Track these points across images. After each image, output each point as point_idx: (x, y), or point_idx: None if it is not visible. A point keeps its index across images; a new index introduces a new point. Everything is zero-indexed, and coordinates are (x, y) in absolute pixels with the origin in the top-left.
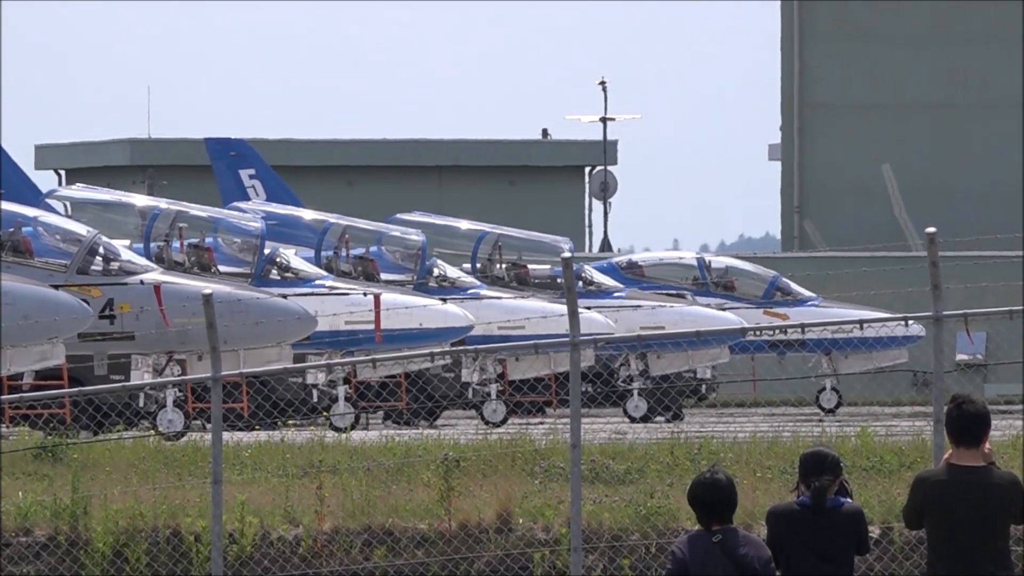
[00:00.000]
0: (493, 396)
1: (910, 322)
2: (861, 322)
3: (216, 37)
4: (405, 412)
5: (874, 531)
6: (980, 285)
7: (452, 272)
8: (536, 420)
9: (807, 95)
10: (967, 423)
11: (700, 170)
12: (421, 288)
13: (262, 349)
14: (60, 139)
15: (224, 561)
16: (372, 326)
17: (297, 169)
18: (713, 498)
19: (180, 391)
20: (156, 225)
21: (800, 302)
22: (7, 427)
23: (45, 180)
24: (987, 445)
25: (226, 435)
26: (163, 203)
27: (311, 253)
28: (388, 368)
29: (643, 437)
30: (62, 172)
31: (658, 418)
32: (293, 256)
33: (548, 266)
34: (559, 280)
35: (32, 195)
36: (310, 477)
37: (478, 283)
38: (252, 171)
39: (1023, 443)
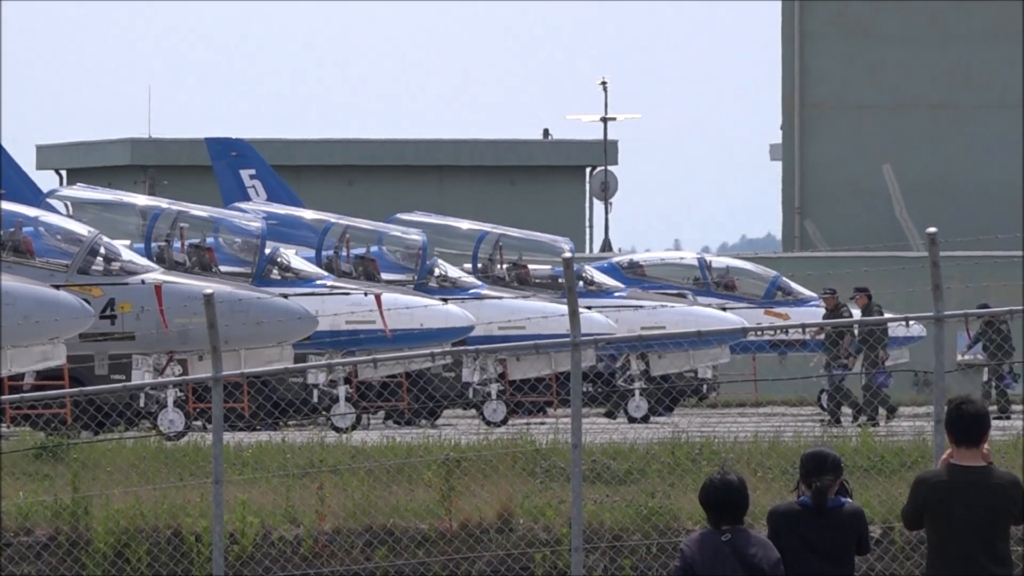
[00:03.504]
0: (494, 396)
1: (911, 322)
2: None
3: (216, 37)
4: (406, 412)
5: (875, 531)
6: (981, 285)
7: (453, 272)
8: (537, 420)
9: (808, 95)
10: (967, 423)
11: (701, 170)
12: (422, 288)
13: (263, 349)
14: (61, 139)
15: (225, 561)
16: (373, 326)
17: (297, 169)
18: (724, 499)
19: (181, 391)
20: (157, 225)
21: (801, 302)
22: (8, 427)
23: (46, 180)
24: (985, 446)
25: (227, 435)
26: (164, 203)
27: (312, 253)
28: (389, 368)
29: (644, 436)
30: (63, 172)
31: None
32: (294, 256)
33: (549, 266)
34: (560, 280)
35: (33, 195)
36: (311, 477)
37: (479, 283)
38: (253, 171)
39: (1023, 443)
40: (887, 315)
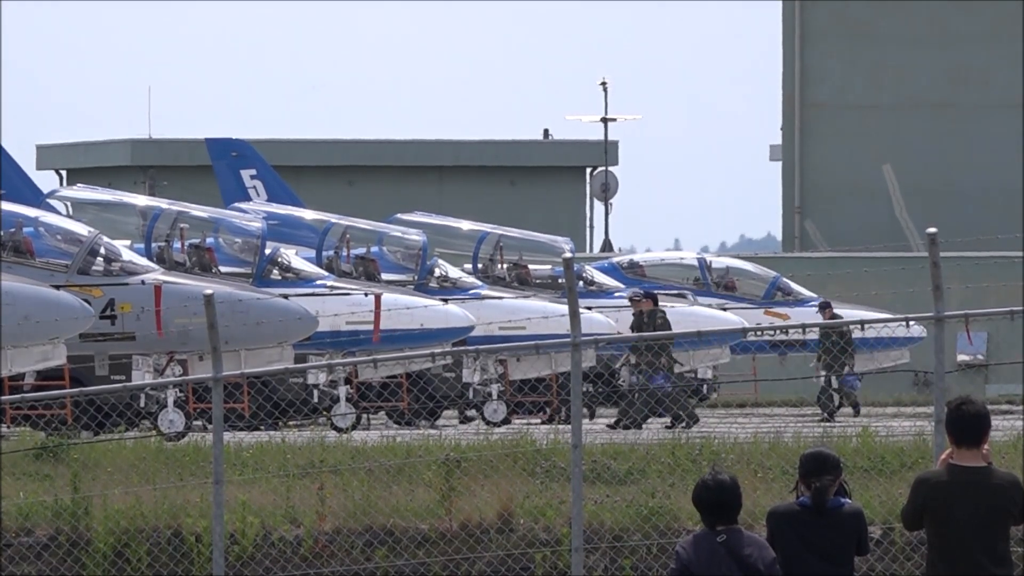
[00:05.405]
0: (494, 396)
1: (911, 323)
2: (862, 323)
3: (216, 37)
4: (406, 412)
5: (875, 531)
6: (981, 285)
7: (453, 272)
8: (537, 420)
9: (808, 95)
10: (967, 424)
11: (701, 170)
12: (422, 288)
13: (263, 349)
14: (61, 139)
15: (225, 561)
16: (373, 326)
17: (298, 169)
18: (717, 499)
19: (181, 391)
20: (157, 225)
21: (801, 302)
22: (8, 427)
23: (46, 180)
24: (985, 446)
25: (227, 435)
26: (164, 203)
27: (312, 253)
28: (389, 368)
29: (645, 437)
30: (63, 172)
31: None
32: (294, 256)
33: (549, 266)
34: (560, 280)
35: (33, 195)
36: (311, 477)
37: (479, 283)
38: (253, 171)
39: (1023, 443)
40: (887, 316)
